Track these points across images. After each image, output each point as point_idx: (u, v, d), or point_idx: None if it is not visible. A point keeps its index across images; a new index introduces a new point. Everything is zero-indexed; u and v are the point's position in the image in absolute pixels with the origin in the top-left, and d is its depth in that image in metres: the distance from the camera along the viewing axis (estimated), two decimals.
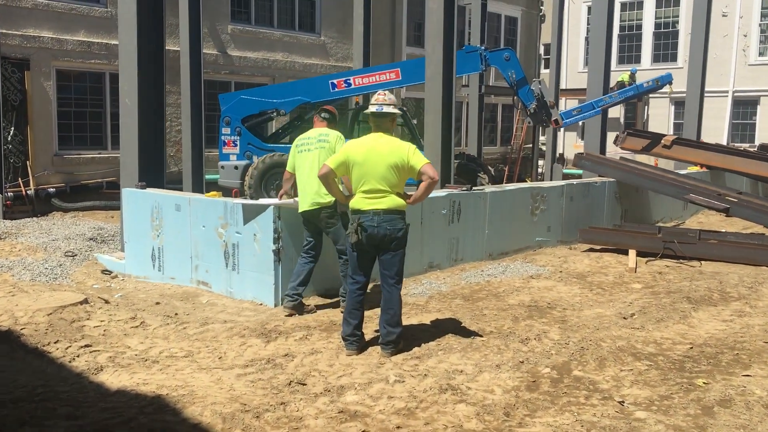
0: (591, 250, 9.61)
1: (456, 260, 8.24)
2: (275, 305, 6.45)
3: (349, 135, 14.41)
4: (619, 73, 21.44)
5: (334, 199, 6.21)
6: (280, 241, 6.43)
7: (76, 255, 8.41)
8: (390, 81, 13.90)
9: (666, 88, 14.38)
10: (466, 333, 5.56)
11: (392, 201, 5.10)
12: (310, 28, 20.17)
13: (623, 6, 25.65)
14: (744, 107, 23.18)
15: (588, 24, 26.72)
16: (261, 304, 6.54)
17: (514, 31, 27.18)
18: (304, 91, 14.24)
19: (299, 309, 6.26)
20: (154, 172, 8.32)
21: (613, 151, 16.93)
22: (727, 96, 23.00)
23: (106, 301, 6.50)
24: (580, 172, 22.33)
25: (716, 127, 22.88)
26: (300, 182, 6.34)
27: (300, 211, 6.33)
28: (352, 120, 14.65)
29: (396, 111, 5.30)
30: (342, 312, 6.20)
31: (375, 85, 14.02)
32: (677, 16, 24.44)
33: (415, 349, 5.17)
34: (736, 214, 9.74)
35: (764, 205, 9.63)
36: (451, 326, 5.76)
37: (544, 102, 13.57)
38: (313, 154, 6.28)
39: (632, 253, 8.89)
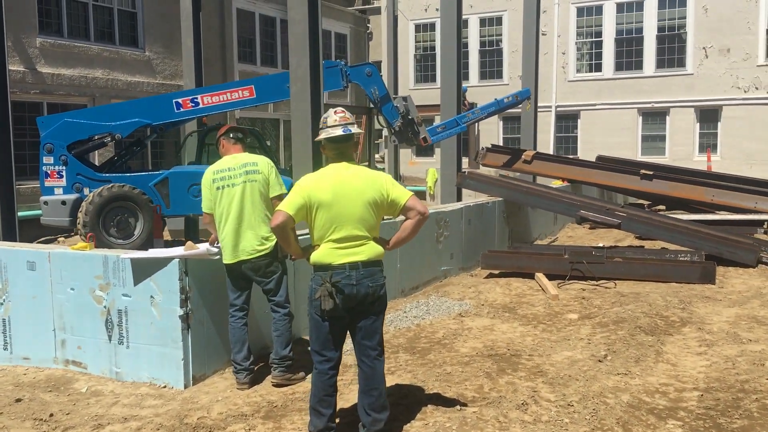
0: (491, 275, 9.03)
1: (403, 291, 7.22)
2: (185, 386, 5.03)
3: (197, 162, 12.88)
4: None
5: (273, 242, 4.98)
6: (189, 303, 5.02)
7: None
8: (244, 99, 12.54)
9: (524, 104, 14.39)
10: (447, 402, 4.56)
11: (372, 249, 3.99)
12: (133, 43, 18.20)
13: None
14: (566, 121, 24.39)
15: (416, 42, 26.97)
16: (164, 386, 5.07)
17: (343, 48, 26.70)
18: (143, 112, 12.44)
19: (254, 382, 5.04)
20: None
21: (466, 168, 16.80)
22: (550, 111, 24.06)
23: None
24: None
25: (542, 140, 23.76)
26: (225, 227, 5.02)
27: (228, 262, 5.00)
28: (199, 143, 13.08)
29: (360, 131, 4.21)
30: (277, 381, 4.98)
31: (226, 104, 12.62)
32: (500, 35, 25.27)
33: None
34: (626, 229, 9.66)
35: (650, 219, 9.62)
36: (422, 395, 4.73)
37: (411, 120, 12.94)
38: (240, 189, 5.00)
39: (542, 277, 8.40)
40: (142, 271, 5.08)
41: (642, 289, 7.87)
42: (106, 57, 17.20)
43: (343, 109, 4.17)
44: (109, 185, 11.70)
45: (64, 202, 11.92)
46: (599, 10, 23.34)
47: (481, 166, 15.04)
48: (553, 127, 24.16)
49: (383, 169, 25.67)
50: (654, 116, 22.89)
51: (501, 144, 24.58)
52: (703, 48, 21.80)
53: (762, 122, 21.07)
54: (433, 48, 26.36)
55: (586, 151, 22.48)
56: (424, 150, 27.45)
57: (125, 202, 11.75)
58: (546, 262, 8.75)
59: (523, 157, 13.84)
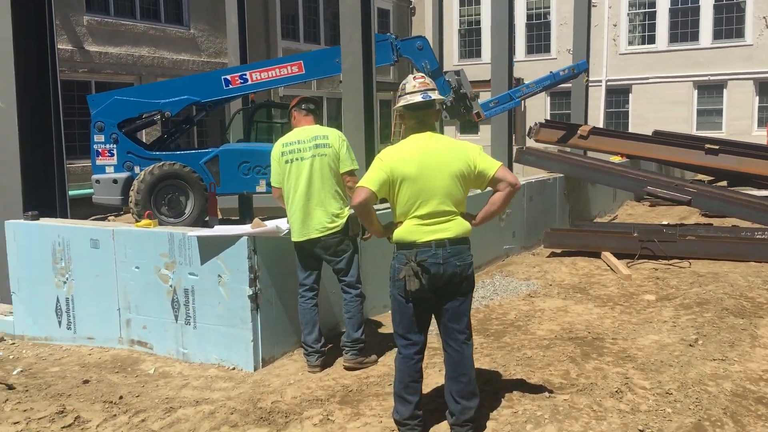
0: (553, 254, 8.70)
1: None
2: (255, 368, 4.84)
3: (245, 140, 12.73)
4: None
5: (344, 220, 4.74)
6: (258, 283, 4.82)
7: None
8: (293, 75, 12.31)
9: (581, 77, 13.91)
10: (534, 389, 4.29)
11: (459, 226, 3.72)
12: (178, 20, 18.07)
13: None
14: (617, 95, 23.68)
15: (461, 16, 26.42)
16: (233, 368, 4.89)
17: (386, 23, 26.27)
18: (192, 90, 12.30)
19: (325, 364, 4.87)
20: (45, 197, 6.33)
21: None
22: (601, 85, 23.37)
23: (10, 387, 4.60)
24: None
25: (592, 116, 23.13)
26: (293, 201, 4.79)
27: (297, 239, 4.78)
28: (247, 120, 12.91)
29: (442, 98, 3.90)
30: (349, 365, 4.77)
31: (275, 81, 12.39)
32: (548, 7, 24.57)
33: (490, 424, 3.83)
34: (697, 205, 9.23)
35: (723, 194, 9.15)
36: (505, 380, 4.46)
37: (463, 94, 12.58)
38: (309, 162, 4.76)
39: (610, 256, 8.05)
40: (209, 249, 4.89)
41: (719, 269, 7.46)
42: (151, 35, 17.10)
43: (423, 74, 3.87)
44: (160, 163, 11.62)
45: (115, 181, 11.88)
46: None
47: (534, 141, 14.60)
48: (603, 101, 23.49)
49: None
50: (710, 89, 22.07)
51: (548, 119, 24.01)
52: (763, 18, 20.88)
53: None
54: (478, 22, 25.81)
55: (637, 126, 21.82)
56: (468, 127, 27.01)
57: (176, 180, 11.65)
58: (613, 240, 8.38)
59: (579, 132, 13.33)
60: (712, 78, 21.87)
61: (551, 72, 13.54)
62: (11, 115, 6.10)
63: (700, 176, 14.59)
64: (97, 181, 11.97)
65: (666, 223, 10.92)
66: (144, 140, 14.49)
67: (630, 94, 23.40)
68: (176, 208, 11.72)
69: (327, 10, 23.19)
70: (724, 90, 21.83)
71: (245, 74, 12.32)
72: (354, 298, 4.86)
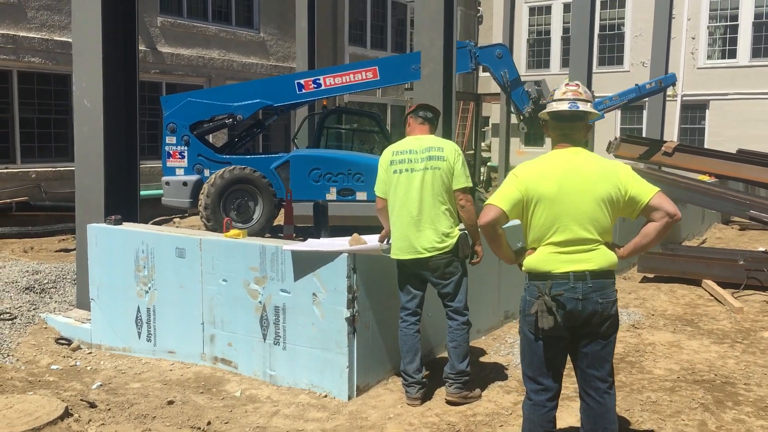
0: (646, 279, 8.12)
1: (506, 316, 6.48)
2: (349, 397, 4.45)
3: (315, 145, 12.45)
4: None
5: (456, 239, 4.33)
6: (356, 305, 4.44)
7: (15, 317, 6.03)
8: (367, 81, 11.96)
9: (669, 90, 13.26)
10: None
11: (603, 257, 3.27)
12: (248, 24, 17.98)
13: (566, 7, 24.83)
14: (692, 111, 22.74)
15: (530, 25, 25.83)
16: (325, 396, 4.51)
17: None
18: (265, 93, 12.08)
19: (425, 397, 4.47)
20: (127, 201, 6.10)
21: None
22: (676, 100, 22.45)
23: (92, 404, 4.31)
24: None
25: (665, 132, 22.34)
26: (399, 216, 4.40)
27: (401, 258, 4.39)
28: (318, 126, 12.63)
29: (595, 112, 3.44)
30: (452, 399, 4.34)
31: (349, 86, 12.07)
32: (622, 18, 23.80)
33: None
34: None
35: None
36: (634, 430, 3.97)
37: (543, 106, 12.05)
38: (420, 175, 4.35)
39: (714, 285, 7.44)
40: (305, 265, 4.53)
41: None
42: (222, 38, 17.03)
43: (578, 83, 3.42)
44: (230, 167, 11.42)
45: (185, 183, 11.72)
46: None
47: (612, 156, 13.98)
48: (678, 117, 22.57)
49: (489, 159, 24.72)
50: None
51: (628, 134, 23.25)
52: None
53: None
54: (547, 32, 25.18)
55: (713, 144, 20.84)
56: (533, 139, 26.35)
57: (246, 185, 11.44)
58: (716, 267, 7.76)
59: (663, 148, 12.67)
60: None
61: (636, 85, 12.97)
62: (97, 113, 5.89)
63: None
64: (167, 183, 11.83)
65: (762, 249, 10.21)
66: (213, 143, 14.34)
67: (707, 110, 22.45)
68: (245, 214, 11.50)
69: (394, 17, 22.91)
70: None
71: (319, 79, 12.03)
72: (460, 326, 4.43)
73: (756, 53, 21.47)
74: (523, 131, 12.47)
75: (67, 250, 10.30)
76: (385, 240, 4.58)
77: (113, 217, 5.60)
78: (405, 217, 4.35)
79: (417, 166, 4.35)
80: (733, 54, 21.90)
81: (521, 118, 12.19)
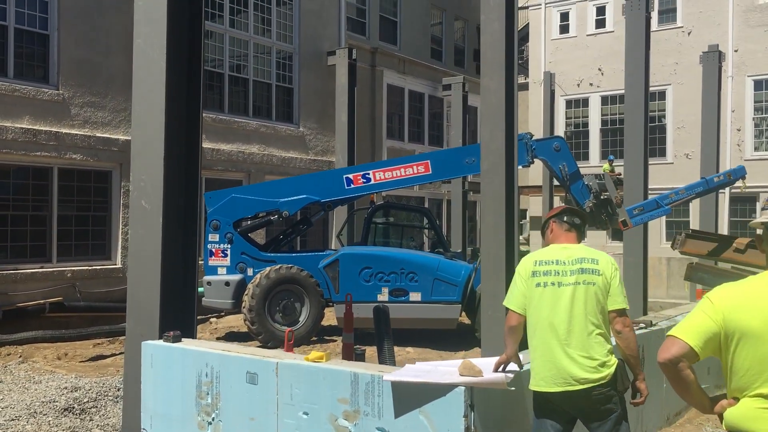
0: None
1: (668, 419, 5.60)
2: None
3: (363, 241, 11.85)
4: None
5: (613, 369, 3.58)
6: None
7: None
8: (419, 175, 11.52)
9: (739, 183, 12.62)
10: None
11: None
12: (288, 118, 17.81)
13: (604, 100, 24.65)
14: (742, 204, 22.00)
15: (567, 118, 25.59)
16: None
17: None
18: (312, 189, 11.64)
19: None
20: (184, 313, 5.42)
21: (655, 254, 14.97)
22: (724, 193, 21.75)
23: None
24: None
25: (718, 226, 21.57)
26: (544, 338, 3.70)
27: (546, 391, 3.63)
28: (366, 222, 12.07)
29: None
30: None
31: (400, 180, 11.61)
32: (663, 110, 23.47)
33: None
34: None
35: None
36: None
37: (606, 200, 11.44)
38: (570, 291, 3.65)
39: None
40: (408, 399, 3.77)
41: None
42: (262, 133, 16.82)
43: None
44: (276, 266, 10.84)
45: (227, 283, 11.14)
46: None
47: (678, 253, 13.18)
48: (728, 210, 21.82)
49: (528, 252, 24.02)
50: None
51: (693, 229, 22.50)
52: None
53: None
54: (585, 124, 24.90)
55: None
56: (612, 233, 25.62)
57: (292, 285, 10.83)
58: None
59: (734, 244, 11.86)
60: None
61: (704, 178, 12.34)
62: (156, 215, 5.30)
63: None
64: (209, 283, 11.25)
65: None
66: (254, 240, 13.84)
67: (757, 203, 21.67)
68: (291, 316, 10.84)
69: (431, 111, 22.78)
70: None
71: (368, 173, 11.59)
72: None
73: None
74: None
75: (102, 357, 9.60)
76: (502, 367, 3.83)
77: (171, 333, 4.92)
78: (551, 340, 3.62)
79: (567, 280, 3.65)
80: None
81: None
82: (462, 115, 19.97)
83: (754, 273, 2.71)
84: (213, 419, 4.56)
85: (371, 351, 7.99)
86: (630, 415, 5.20)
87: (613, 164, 20.11)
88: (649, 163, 23.00)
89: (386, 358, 7.32)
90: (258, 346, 10.49)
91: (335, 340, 11.11)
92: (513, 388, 3.70)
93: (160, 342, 4.92)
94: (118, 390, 6.74)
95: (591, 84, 24.76)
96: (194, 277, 5.56)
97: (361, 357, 7.47)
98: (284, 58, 17.62)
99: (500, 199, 9.15)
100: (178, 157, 5.40)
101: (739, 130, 21.87)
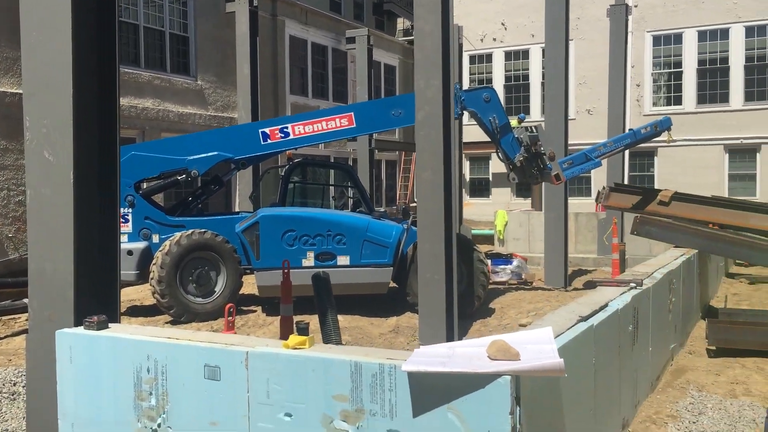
0: (717, 353, 6.90)
1: (636, 405, 5.07)
2: None
3: (281, 202, 10.86)
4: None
5: None
6: None
7: None
8: (342, 129, 10.60)
9: (664, 135, 12.48)
10: None
11: None
12: (184, 70, 16.31)
13: (507, 56, 24.39)
14: (641, 158, 22.48)
15: (470, 74, 25.19)
16: None
17: (392, 80, 24.91)
18: (224, 145, 10.47)
19: None
20: (105, 292, 4.33)
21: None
22: (673, 145, 22.16)
23: None
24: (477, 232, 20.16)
25: (614, 179, 21.91)
26: None
27: None
28: (284, 181, 11.05)
29: None
30: None
31: (321, 135, 10.67)
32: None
33: None
34: None
35: None
36: None
37: (538, 153, 10.95)
38: None
39: None
40: (431, 393, 2.95)
41: None
42: (156, 85, 15.26)
43: None
44: (187, 232, 9.68)
45: (130, 252, 9.89)
46: (678, 38, 21.59)
47: (602, 207, 13.02)
48: (627, 164, 22.20)
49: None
50: (742, 153, 20.97)
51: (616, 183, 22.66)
52: None
53: None
54: (489, 80, 24.58)
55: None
56: (478, 190, 25.52)
57: (206, 252, 9.72)
58: None
59: (658, 197, 11.72)
60: (744, 141, 20.78)
61: (631, 129, 12.12)
62: (65, 171, 4.16)
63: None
64: None
65: None
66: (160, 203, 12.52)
67: (655, 158, 22.21)
68: (206, 286, 9.76)
69: (335, 65, 21.72)
70: (758, 154, 20.75)
71: (286, 127, 10.55)
72: None
73: (701, 100, 21.48)
74: (513, 182, 11.26)
75: None
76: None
77: (95, 318, 3.84)
78: None
79: None
80: (678, 101, 21.85)
81: (511, 167, 10.99)
82: (367, 70, 19.03)
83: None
84: (159, 425, 3.57)
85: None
86: (627, 382, 4.64)
87: (523, 123, 19.87)
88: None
89: (331, 334, 6.47)
90: (167, 322, 9.37)
91: (254, 311, 10.14)
92: (566, 375, 2.95)
93: (81, 330, 3.85)
94: (14, 385, 5.55)
95: (494, 39, 24.42)
96: (116, 246, 4.47)
97: (303, 332, 6.59)
98: (178, 3, 16.02)
99: (438, 152, 8.46)
100: (90, 92, 4.24)
101: (638, 85, 22.21)
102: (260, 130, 10.49)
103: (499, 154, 11.10)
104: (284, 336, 6.87)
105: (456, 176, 9.03)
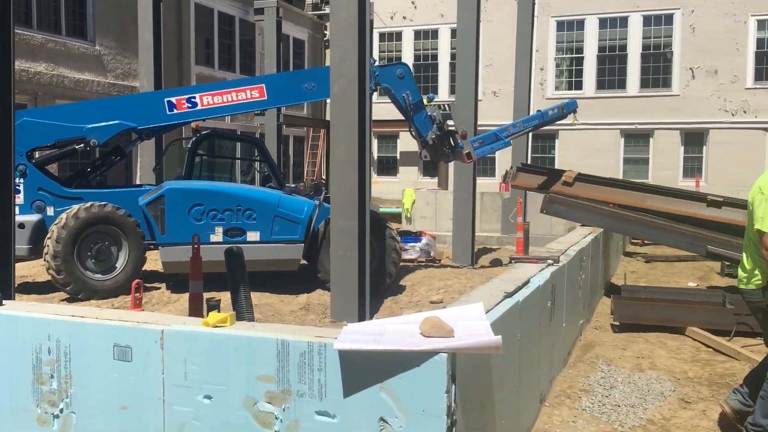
0: (621, 328, 7.13)
1: (552, 380, 5.14)
2: None
3: (187, 176, 10.45)
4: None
5: None
6: None
7: None
8: (252, 101, 10.24)
9: (570, 117, 12.75)
10: None
11: None
12: (81, 33, 15.39)
13: (417, 35, 24.43)
14: (542, 141, 23.10)
15: (380, 51, 25.08)
16: None
17: (301, 55, 24.47)
18: (126, 113, 9.93)
19: None
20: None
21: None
22: (575, 129, 22.72)
23: None
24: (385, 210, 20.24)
25: (517, 160, 22.44)
26: None
27: None
28: (191, 153, 10.60)
29: None
30: None
31: (231, 106, 10.29)
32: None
33: None
34: None
35: None
36: None
37: (450, 132, 10.97)
38: None
39: (706, 334, 6.61)
40: (363, 372, 2.83)
41: None
42: (50, 49, 14.31)
43: None
44: (86, 204, 9.13)
45: (22, 225, 9.24)
46: (581, 24, 22.23)
47: (510, 187, 13.28)
48: (530, 146, 22.76)
49: None
50: (637, 138, 21.91)
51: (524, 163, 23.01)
52: (690, 69, 21.04)
53: (750, 147, 20.43)
54: (399, 58, 24.54)
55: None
56: (386, 169, 25.56)
57: (106, 225, 9.22)
58: (702, 313, 6.95)
59: (563, 178, 12.04)
60: (639, 126, 21.72)
61: (539, 111, 12.33)
62: None
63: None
64: None
65: (694, 284, 9.78)
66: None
67: (556, 140, 22.89)
68: (106, 262, 9.27)
69: (243, 36, 21.09)
70: (651, 139, 21.74)
71: (194, 97, 10.10)
72: None
73: (600, 85, 22.24)
74: (425, 159, 11.24)
75: None
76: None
77: None
78: None
79: None
80: (579, 85, 22.55)
81: (423, 145, 10.97)
82: (276, 43, 18.54)
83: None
84: (61, 411, 3.28)
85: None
86: (544, 358, 4.70)
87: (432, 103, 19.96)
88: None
89: (244, 312, 6.24)
90: (63, 300, 8.84)
91: (158, 288, 9.72)
92: (502, 353, 2.89)
93: None
94: None
95: (404, 17, 24.38)
96: (10, 219, 4.09)
97: (215, 309, 6.33)
98: None
99: (353, 127, 8.35)
100: None
101: (542, 69, 22.74)
102: (166, 99, 9.99)
103: (412, 131, 11.04)
104: (194, 313, 6.59)
105: (369, 152, 8.90)
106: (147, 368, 3.14)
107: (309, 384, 2.91)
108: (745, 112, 20.49)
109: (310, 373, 2.90)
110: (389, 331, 3.02)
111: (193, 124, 11.31)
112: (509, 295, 3.90)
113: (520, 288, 4.17)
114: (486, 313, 3.45)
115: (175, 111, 9.97)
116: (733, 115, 20.62)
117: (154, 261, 10.41)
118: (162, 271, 9.62)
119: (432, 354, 2.74)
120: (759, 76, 20.37)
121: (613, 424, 4.50)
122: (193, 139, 10.71)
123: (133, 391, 3.17)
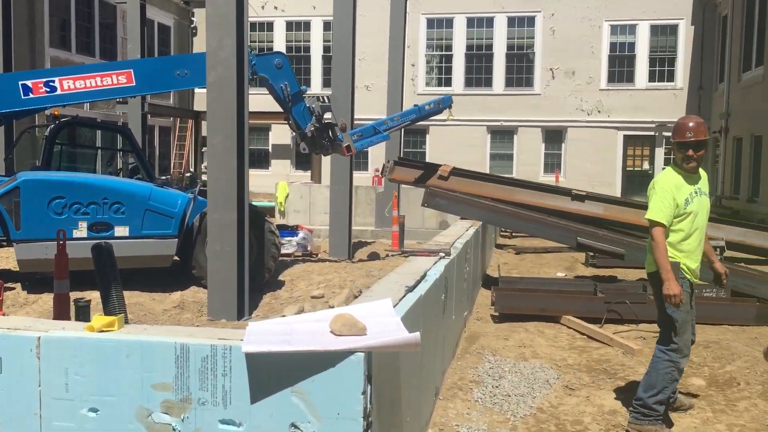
0: (501, 319, 7.30)
1: (443, 372, 5.14)
2: None
3: (45, 166, 9.71)
4: None
5: None
6: None
7: None
8: (119, 87, 9.60)
9: (445, 113, 12.90)
10: None
11: None
12: None
13: (289, 26, 24.06)
14: (414, 136, 23.47)
15: (251, 42, 24.47)
16: None
17: (167, 42, 23.44)
18: None
19: None
20: None
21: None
22: (449, 125, 23.04)
23: None
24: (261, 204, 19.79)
25: (392, 155, 22.71)
26: (693, 246, 4.42)
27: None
28: (49, 142, 9.82)
29: None
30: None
31: (95, 92, 9.62)
32: None
33: None
34: (632, 259, 8.47)
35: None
36: None
37: (329, 124, 10.81)
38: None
39: (579, 322, 6.90)
40: (272, 375, 2.64)
41: (711, 336, 6.64)
42: None
43: None
44: None
45: None
46: (450, 23, 22.76)
47: (387, 180, 13.33)
48: (402, 141, 23.07)
49: None
50: (502, 134, 22.75)
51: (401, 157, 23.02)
52: (550, 69, 22.08)
53: (604, 145, 21.76)
54: (270, 49, 24.07)
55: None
56: (258, 161, 24.99)
57: None
58: (575, 302, 7.25)
59: (438, 172, 12.26)
60: (504, 123, 22.56)
61: (416, 105, 12.40)
62: None
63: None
64: None
65: (562, 275, 10.23)
66: None
67: (427, 135, 23.33)
68: None
69: (102, 20, 19.86)
70: (515, 136, 22.64)
71: (53, 81, 9.35)
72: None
73: (468, 83, 22.89)
74: (304, 152, 11.01)
75: None
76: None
77: None
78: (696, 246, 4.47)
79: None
80: (449, 82, 23.09)
81: (302, 137, 10.75)
82: (140, 28, 17.56)
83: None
84: None
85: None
86: (438, 351, 4.69)
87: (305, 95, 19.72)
88: (329, 92, 23.17)
89: (116, 312, 5.81)
90: None
91: (12, 288, 8.91)
92: (419, 351, 2.80)
93: None
94: None
95: (276, 8, 23.94)
96: None
97: (85, 310, 5.84)
98: None
99: (231, 116, 8.09)
100: None
101: (413, 65, 23.08)
102: (21, 83, 9.15)
103: (290, 123, 10.79)
104: (60, 316, 6.06)
105: (248, 142, 8.61)
106: (20, 380, 2.79)
107: (212, 391, 2.68)
108: (599, 111, 21.79)
109: (213, 379, 2.68)
110: (298, 330, 2.85)
111: (50, 111, 10.46)
112: (410, 289, 3.83)
113: (419, 282, 4.11)
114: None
115: (31, 95, 9.17)
116: (588, 114, 21.87)
117: (5, 259, 9.56)
118: (16, 269, 8.82)
119: (348, 354, 2.60)
120: (612, 78, 21.72)
121: (505, 414, 4.56)
122: (51, 126, 9.90)
123: (4, 407, 2.80)
